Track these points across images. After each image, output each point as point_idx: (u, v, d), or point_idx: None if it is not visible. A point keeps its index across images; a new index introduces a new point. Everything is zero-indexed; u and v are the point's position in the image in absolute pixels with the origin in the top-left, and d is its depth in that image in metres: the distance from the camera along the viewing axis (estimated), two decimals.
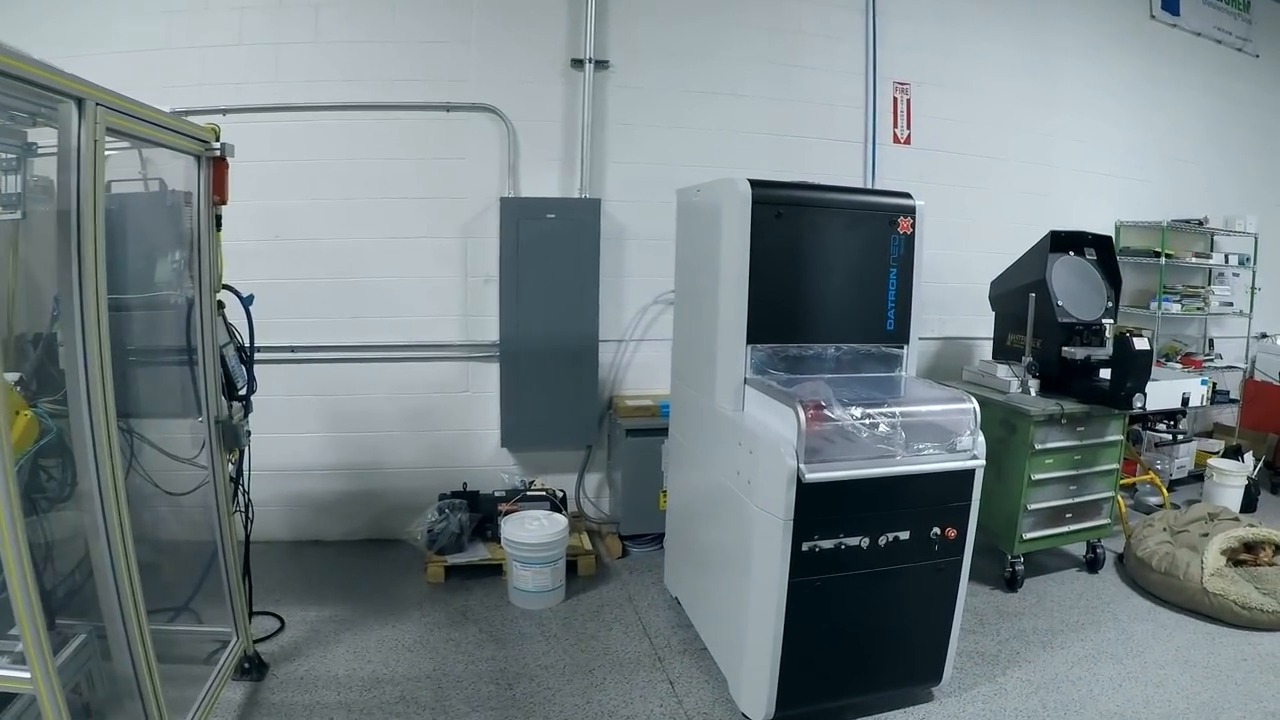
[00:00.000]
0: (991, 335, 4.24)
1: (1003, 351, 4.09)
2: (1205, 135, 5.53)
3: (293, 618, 3.34)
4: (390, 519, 3.96)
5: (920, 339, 4.65)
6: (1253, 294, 5.49)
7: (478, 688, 2.91)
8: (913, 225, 2.89)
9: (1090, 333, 3.86)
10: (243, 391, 2.74)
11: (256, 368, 3.77)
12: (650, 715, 2.76)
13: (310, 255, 3.85)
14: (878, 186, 4.50)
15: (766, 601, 2.49)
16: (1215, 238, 5.59)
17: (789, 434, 2.42)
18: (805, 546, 2.46)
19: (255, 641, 3.05)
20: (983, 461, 2.61)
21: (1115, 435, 3.79)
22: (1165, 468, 4.88)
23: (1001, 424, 3.73)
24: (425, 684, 2.92)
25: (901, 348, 2.98)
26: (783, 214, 2.75)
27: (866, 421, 2.46)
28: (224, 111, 3.63)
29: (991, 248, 4.29)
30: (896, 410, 2.52)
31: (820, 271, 2.82)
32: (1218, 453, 5.17)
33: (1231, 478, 4.60)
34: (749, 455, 2.57)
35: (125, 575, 1.88)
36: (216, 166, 2.51)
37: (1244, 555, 3.70)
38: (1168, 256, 5.10)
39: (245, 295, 2.69)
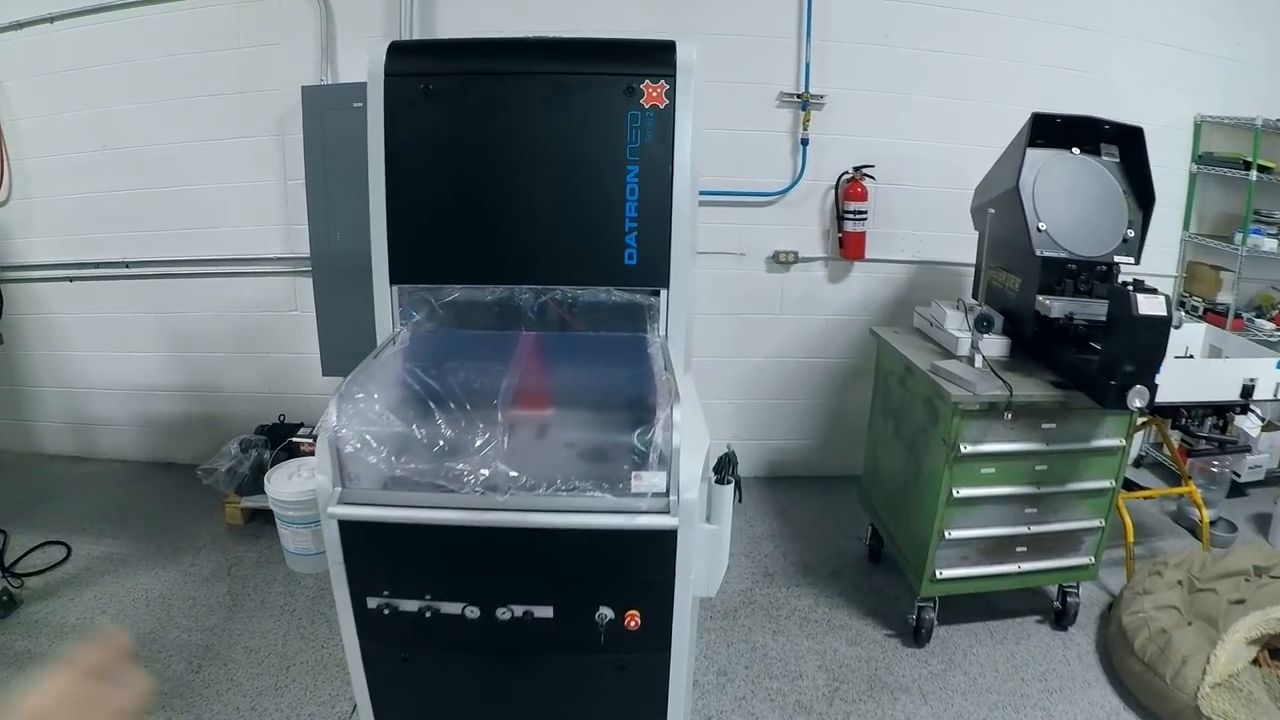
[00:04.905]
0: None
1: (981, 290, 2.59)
2: None
3: (82, 550, 2.95)
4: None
5: (884, 260, 3.25)
6: None
7: (169, 664, 2.36)
8: (670, 94, 1.62)
9: (1094, 276, 2.30)
10: None
11: (91, 284, 3.37)
12: None
13: (136, 164, 3.22)
14: (811, 45, 2.98)
15: (351, 658, 1.60)
16: None
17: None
18: (372, 604, 1.50)
19: (39, 572, 2.79)
20: (676, 520, 1.38)
21: (1111, 440, 2.29)
22: (1223, 471, 3.06)
23: (924, 405, 2.37)
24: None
25: (656, 294, 1.71)
26: (433, 88, 1.63)
27: (423, 438, 1.38)
28: (51, 19, 3.08)
29: (997, 143, 2.65)
30: (499, 417, 1.40)
31: (505, 174, 1.69)
32: None
33: None
34: None
35: None
36: None
37: None
38: (1263, 170, 3.10)
39: None
